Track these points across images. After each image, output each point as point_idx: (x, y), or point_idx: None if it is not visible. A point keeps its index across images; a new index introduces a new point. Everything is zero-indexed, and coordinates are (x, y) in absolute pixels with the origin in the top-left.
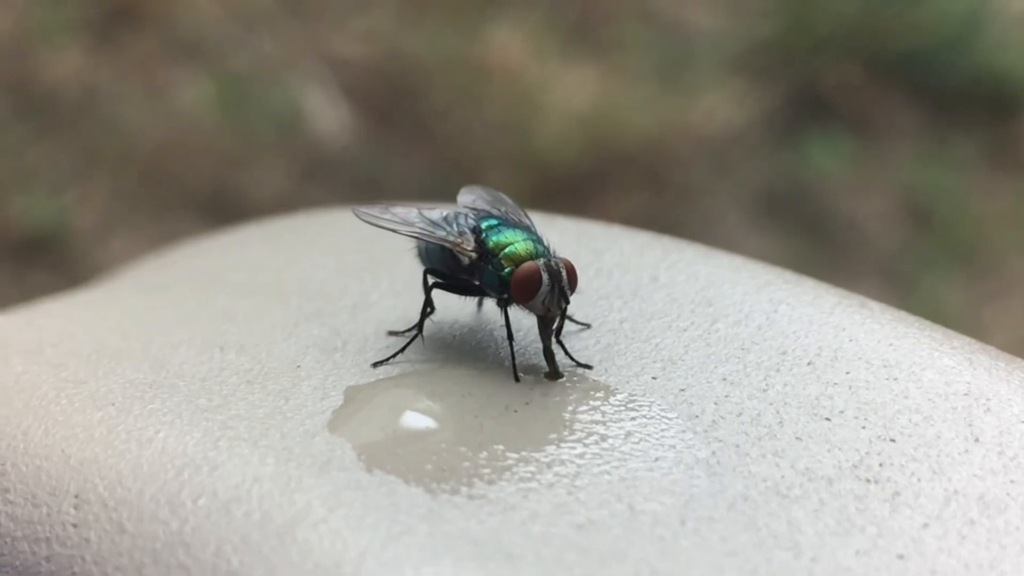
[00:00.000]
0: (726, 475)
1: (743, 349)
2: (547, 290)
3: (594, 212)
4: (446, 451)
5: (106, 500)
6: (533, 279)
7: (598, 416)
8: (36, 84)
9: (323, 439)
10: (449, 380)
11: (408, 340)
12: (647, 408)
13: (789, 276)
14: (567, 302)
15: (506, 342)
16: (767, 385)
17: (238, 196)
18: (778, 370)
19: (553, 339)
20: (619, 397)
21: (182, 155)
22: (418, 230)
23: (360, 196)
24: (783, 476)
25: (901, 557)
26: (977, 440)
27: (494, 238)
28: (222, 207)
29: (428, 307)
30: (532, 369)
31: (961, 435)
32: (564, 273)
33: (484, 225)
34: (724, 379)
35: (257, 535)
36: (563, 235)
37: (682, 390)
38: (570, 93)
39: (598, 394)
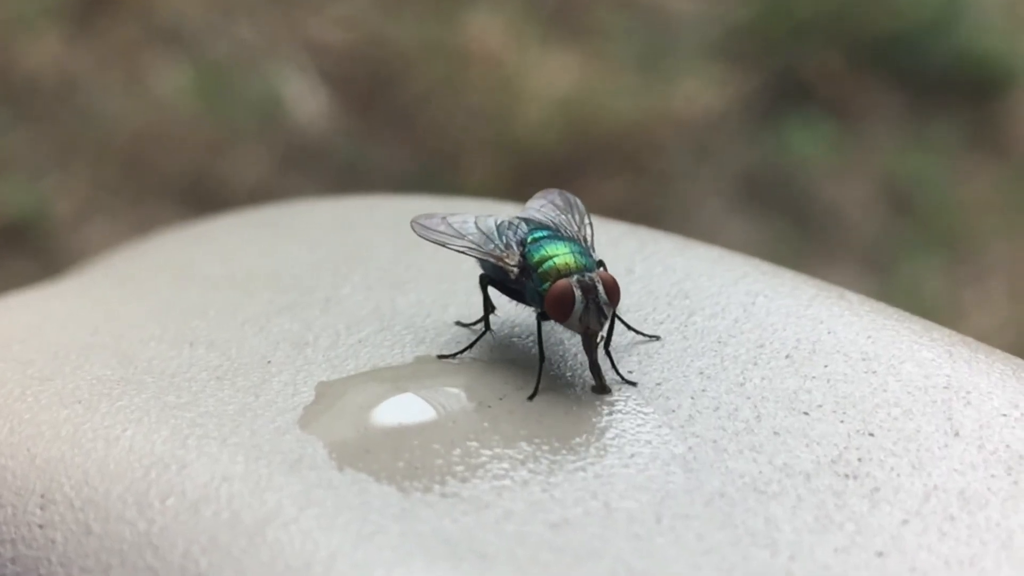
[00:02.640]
0: (703, 471)
1: (720, 342)
2: (582, 307)
3: None
4: (418, 448)
5: (72, 500)
6: (566, 297)
7: (573, 411)
8: (14, 71)
9: (294, 436)
10: (421, 375)
11: (477, 336)
12: (623, 403)
13: (767, 268)
14: (606, 318)
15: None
16: (744, 379)
17: (218, 184)
18: (756, 364)
19: (601, 350)
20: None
21: (161, 143)
22: (467, 244)
23: (341, 184)
24: (760, 472)
25: (880, 554)
26: (957, 434)
27: (536, 253)
28: (202, 195)
29: (489, 306)
30: (510, 364)
31: (941, 429)
32: (600, 288)
33: (530, 238)
34: (701, 373)
35: (226, 536)
36: None
37: (658, 384)
38: (550, 79)
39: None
